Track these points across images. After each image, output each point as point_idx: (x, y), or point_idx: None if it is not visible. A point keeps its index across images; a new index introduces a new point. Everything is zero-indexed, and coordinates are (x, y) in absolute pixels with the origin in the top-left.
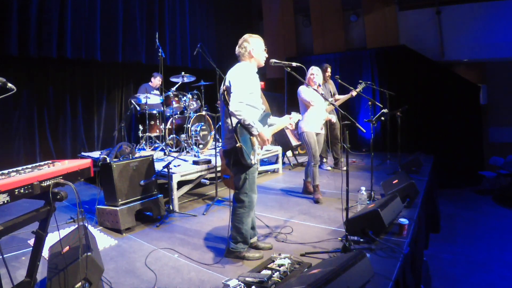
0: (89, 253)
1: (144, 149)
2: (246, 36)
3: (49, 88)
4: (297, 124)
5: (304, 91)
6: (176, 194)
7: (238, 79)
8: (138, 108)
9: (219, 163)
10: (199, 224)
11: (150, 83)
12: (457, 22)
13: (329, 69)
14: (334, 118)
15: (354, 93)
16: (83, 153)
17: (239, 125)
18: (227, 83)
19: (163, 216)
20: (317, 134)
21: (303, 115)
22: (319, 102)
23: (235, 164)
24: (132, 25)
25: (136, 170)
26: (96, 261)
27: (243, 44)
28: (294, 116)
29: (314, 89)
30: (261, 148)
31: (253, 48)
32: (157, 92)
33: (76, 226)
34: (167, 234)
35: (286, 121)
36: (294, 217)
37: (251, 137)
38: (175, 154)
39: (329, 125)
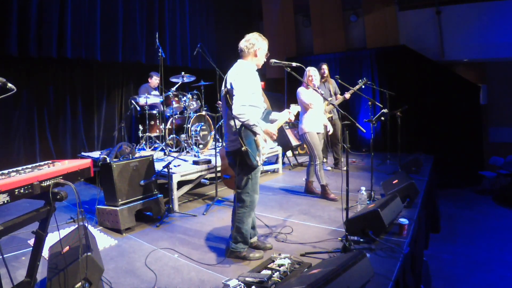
0: (89, 253)
1: (144, 149)
2: (256, 34)
3: (49, 88)
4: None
5: (303, 93)
6: (176, 194)
7: (239, 81)
8: (138, 108)
9: (219, 163)
10: (199, 224)
11: (149, 84)
12: (457, 22)
13: (324, 66)
14: (329, 126)
15: (347, 95)
16: (83, 153)
17: (243, 127)
18: (228, 86)
19: (163, 216)
20: (317, 134)
21: (303, 116)
22: (318, 103)
23: (240, 165)
24: (132, 25)
25: (136, 170)
26: (96, 261)
27: (252, 40)
28: (293, 108)
29: (315, 89)
30: (273, 141)
31: (260, 48)
32: (157, 92)
33: (76, 226)
34: (167, 234)
35: (286, 115)
36: (294, 217)
37: (256, 138)
38: (175, 154)
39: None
